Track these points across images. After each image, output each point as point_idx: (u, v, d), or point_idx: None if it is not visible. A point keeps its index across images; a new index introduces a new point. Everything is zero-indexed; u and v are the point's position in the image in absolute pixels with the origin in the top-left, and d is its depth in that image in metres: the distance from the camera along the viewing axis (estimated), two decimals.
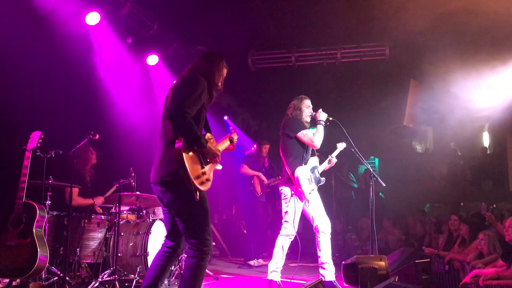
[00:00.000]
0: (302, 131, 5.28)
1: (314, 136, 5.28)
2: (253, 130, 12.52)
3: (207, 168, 3.44)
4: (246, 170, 7.78)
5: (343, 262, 4.67)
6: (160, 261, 3.54)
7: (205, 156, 3.43)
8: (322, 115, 5.39)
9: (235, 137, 3.89)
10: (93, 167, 6.02)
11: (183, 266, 5.92)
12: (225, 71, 3.74)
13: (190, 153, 3.30)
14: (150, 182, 3.51)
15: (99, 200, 5.86)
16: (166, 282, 5.19)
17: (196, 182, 3.27)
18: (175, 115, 3.24)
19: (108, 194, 5.95)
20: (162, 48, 8.14)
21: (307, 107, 5.48)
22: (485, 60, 8.09)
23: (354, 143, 5.53)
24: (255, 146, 8.18)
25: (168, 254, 3.54)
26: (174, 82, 3.64)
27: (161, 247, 3.58)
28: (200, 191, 3.32)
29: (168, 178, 3.32)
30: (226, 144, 3.79)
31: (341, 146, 5.64)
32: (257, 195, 7.78)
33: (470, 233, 6.17)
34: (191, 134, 3.27)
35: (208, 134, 3.56)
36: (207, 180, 3.42)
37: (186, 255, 3.46)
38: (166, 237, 3.59)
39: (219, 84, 3.67)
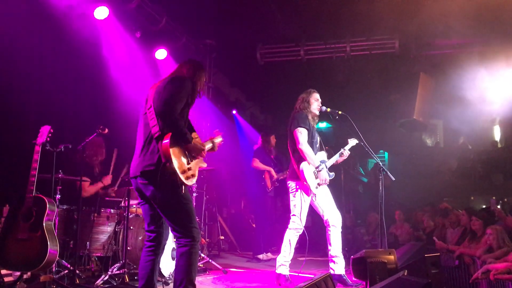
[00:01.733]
0: (299, 128, 5.21)
1: (308, 146, 5.16)
2: (262, 124, 12.51)
3: (192, 164, 3.60)
4: (258, 164, 7.74)
5: (352, 256, 4.65)
6: (148, 257, 3.66)
7: (190, 152, 3.58)
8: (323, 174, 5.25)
9: (218, 140, 3.99)
10: (102, 162, 6.04)
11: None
12: (204, 79, 3.93)
13: (177, 149, 3.44)
14: (131, 174, 3.63)
15: (107, 179, 5.85)
16: (167, 276, 5.21)
17: (182, 177, 3.41)
18: (163, 111, 3.41)
19: (111, 167, 5.96)
20: (170, 43, 8.14)
21: (315, 100, 5.44)
22: (496, 53, 8.00)
23: (364, 137, 5.49)
24: (259, 139, 8.12)
25: (154, 247, 3.67)
26: (156, 83, 3.79)
27: (145, 243, 3.71)
28: (185, 185, 3.46)
29: (151, 168, 3.45)
30: (208, 145, 3.88)
31: (352, 142, 5.55)
32: (267, 190, 7.76)
33: (481, 228, 6.12)
34: (178, 130, 3.44)
35: (194, 133, 3.74)
36: (192, 175, 3.58)
37: (176, 246, 3.55)
38: (147, 230, 3.72)
39: (199, 91, 3.85)
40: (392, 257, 4.28)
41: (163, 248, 3.79)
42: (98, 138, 5.62)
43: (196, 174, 3.66)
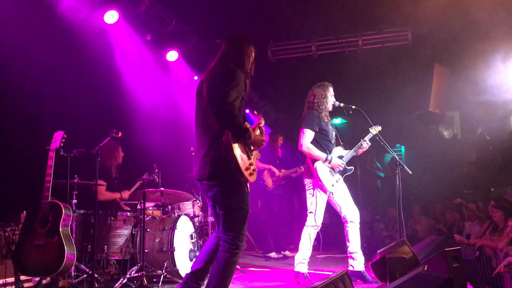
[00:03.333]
0: (304, 129, 5.15)
1: (309, 144, 5.10)
2: (277, 123, 12.44)
3: (253, 159, 3.45)
4: (257, 163, 7.69)
5: (370, 262, 4.59)
6: (212, 245, 3.53)
7: (250, 146, 3.43)
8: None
9: (262, 123, 3.78)
10: (118, 166, 6.06)
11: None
12: (253, 55, 3.65)
13: (238, 145, 3.29)
14: (192, 178, 3.61)
15: (126, 194, 5.88)
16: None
17: (246, 174, 3.29)
18: (222, 110, 3.20)
19: (132, 190, 5.97)
20: (181, 44, 8.15)
21: (331, 95, 5.37)
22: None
23: (379, 131, 5.41)
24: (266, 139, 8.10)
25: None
26: (207, 74, 3.55)
27: (213, 236, 3.59)
28: (249, 182, 3.35)
29: (218, 172, 3.31)
30: (257, 132, 3.69)
31: (373, 130, 5.38)
32: (268, 189, 7.69)
33: (501, 219, 6.01)
34: (238, 127, 3.25)
35: (246, 123, 3.46)
36: (254, 170, 3.44)
37: (219, 249, 3.42)
38: (216, 231, 3.59)
39: (249, 70, 3.61)
40: (405, 247, 4.21)
41: None
42: (113, 142, 5.64)
43: (256, 168, 3.52)
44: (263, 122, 3.79)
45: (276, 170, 7.65)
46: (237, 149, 3.25)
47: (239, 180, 3.30)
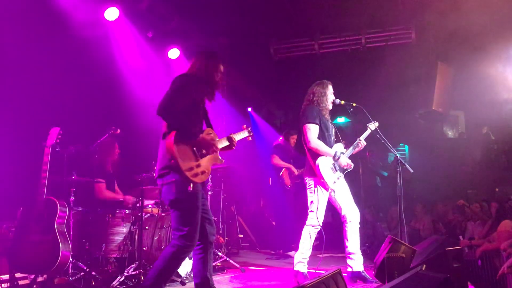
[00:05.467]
0: (308, 124, 5.07)
1: (317, 140, 5.02)
2: (279, 121, 12.40)
3: (203, 160, 3.56)
4: (278, 161, 7.63)
5: (373, 272, 4.53)
6: (197, 255, 3.69)
7: (200, 147, 3.54)
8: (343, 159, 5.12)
9: (238, 136, 4.01)
10: (114, 163, 6.01)
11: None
12: (221, 67, 3.89)
13: (182, 146, 3.42)
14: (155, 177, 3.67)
15: (130, 200, 5.83)
16: (183, 276, 5.18)
17: (188, 174, 3.39)
18: (162, 109, 3.41)
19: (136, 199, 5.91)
20: (183, 41, 8.11)
21: (331, 93, 5.31)
22: None
23: (382, 130, 5.34)
24: (281, 137, 8.03)
25: (201, 246, 3.67)
26: None
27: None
28: (194, 183, 3.43)
29: (164, 171, 3.48)
30: (224, 143, 3.87)
31: (371, 126, 5.34)
32: (286, 187, 7.64)
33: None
34: (180, 126, 3.44)
35: (208, 129, 3.73)
36: (202, 172, 3.52)
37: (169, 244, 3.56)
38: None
39: (218, 80, 3.84)
40: (398, 245, 4.15)
41: (211, 243, 3.76)
42: (110, 139, 5.60)
43: (208, 171, 3.61)
44: (239, 136, 4.01)
45: (294, 170, 7.58)
46: (179, 149, 3.37)
47: (181, 180, 3.40)
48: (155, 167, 3.65)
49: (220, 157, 3.80)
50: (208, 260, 3.71)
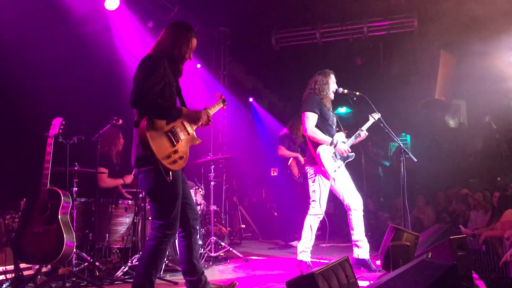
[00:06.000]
0: (306, 112, 5.07)
1: (314, 128, 5.01)
2: (280, 112, 12.37)
3: (179, 145, 3.36)
4: (284, 151, 7.57)
5: (380, 262, 4.52)
6: (182, 243, 3.65)
7: (175, 133, 3.35)
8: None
9: (216, 107, 3.81)
10: (119, 153, 6.00)
11: (212, 248, 5.95)
12: (194, 41, 3.63)
13: (156, 133, 3.22)
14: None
15: (128, 179, 5.85)
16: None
17: (165, 162, 3.20)
18: (136, 96, 3.19)
19: (133, 173, 5.93)
20: None
21: (333, 82, 5.30)
22: None
23: (385, 120, 5.33)
24: (285, 128, 7.95)
25: (184, 233, 3.63)
26: None
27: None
28: (172, 171, 3.26)
29: (140, 162, 3.32)
30: (218, 106, 3.76)
31: (375, 116, 5.32)
32: (294, 178, 7.59)
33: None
34: (158, 109, 3.24)
35: (183, 108, 3.49)
36: (180, 158, 3.34)
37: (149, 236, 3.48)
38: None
39: (187, 56, 3.59)
40: (401, 233, 4.15)
41: (195, 228, 3.69)
42: (114, 129, 5.59)
43: (187, 156, 3.42)
44: (216, 106, 3.80)
45: (302, 159, 7.52)
46: (153, 137, 3.16)
47: (158, 168, 3.21)
48: (131, 156, 3.46)
49: (196, 137, 3.59)
50: (193, 246, 3.64)
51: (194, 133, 3.60)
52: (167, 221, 3.35)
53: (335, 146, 5.03)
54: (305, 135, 5.13)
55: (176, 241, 5.22)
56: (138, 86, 3.20)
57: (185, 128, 3.51)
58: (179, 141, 3.36)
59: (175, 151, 3.31)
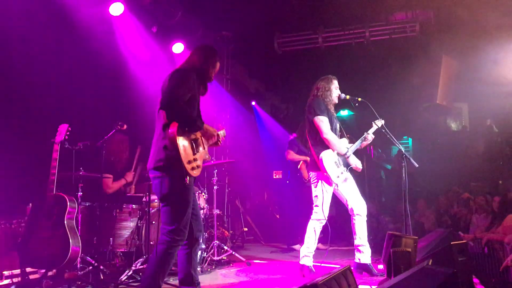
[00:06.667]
0: (320, 116, 5.09)
1: (331, 133, 5.07)
2: (282, 115, 12.41)
3: (198, 155, 3.61)
4: (293, 156, 7.59)
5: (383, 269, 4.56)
6: (183, 251, 3.74)
7: (197, 143, 3.60)
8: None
9: (222, 132, 4.08)
10: (126, 159, 6.08)
11: (215, 252, 5.99)
12: (218, 65, 3.95)
13: (183, 139, 3.46)
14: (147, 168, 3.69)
15: (129, 176, 5.93)
16: (199, 268, 5.22)
17: (187, 167, 3.42)
18: (168, 102, 3.41)
19: (133, 168, 6.01)
20: (187, 36, 8.10)
21: (336, 88, 5.34)
22: None
23: (386, 124, 5.37)
24: (294, 134, 7.96)
25: (186, 242, 3.70)
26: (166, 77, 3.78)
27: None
28: (190, 176, 3.47)
29: (161, 163, 3.48)
30: (221, 132, 4.01)
31: (376, 124, 5.36)
32: (304, 181, 7.62)
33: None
34: (186, 118, 3.47)
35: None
36: (198, 166, 3.58)
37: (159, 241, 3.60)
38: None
39: (212, 76, 3.92)
40: (401, 240, 4.18)
41: (197, 240, 3.82)
42: (121, 135, 5.66)
43: (201, 166, 3.67)
44: (222, 132, 4.08)
45: None
46: (181, 141, 3.40)
47: (179, 172, 3.41)
48: (149, 158, 3.64)
49: (208, 154, 3.88)
50: (193, 256, 3.76)
51: (207, 149, 3.87)
52: (178, 227, 3.48)
53: (347, 157, 5.09)
54: (310, 141, 5.16)
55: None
56: (169, 93, 3.45)
57: (202, 142, 3.79)
58: (198, 152, 3.61)
59: (195, 159, 3.56)
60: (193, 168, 3.49)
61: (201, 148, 3.67)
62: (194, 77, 3.63)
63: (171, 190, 3.48)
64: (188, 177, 3.44)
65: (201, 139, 3.75)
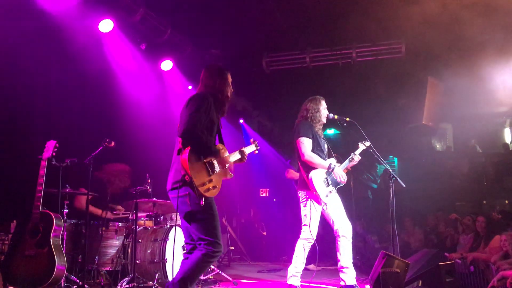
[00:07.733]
0: (301, 138, 5.16)
1: (310, 152, 5.10)
2: (270, 133, 12.45)
3: (214, 176, 3.63)
4: (293, 174, 7.61)
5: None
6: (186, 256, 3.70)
7: (213, 165, 3.62)
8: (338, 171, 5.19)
9: (248, 149, 4.10)
10: (123, 189, 6.04)
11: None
12: (230, 77, 3.96)
13: (196, 163, 3.51)
14: (166, 189, 3.72)
15: (110, 215, 5.83)
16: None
17: (200, 189, 3.46)
18: (184, 129, 3.48)
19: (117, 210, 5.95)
20: (176, 53, 8.13)
21: (324, 108, 5.39)
22: (504, 54, 7.90)
23: (373, 143, 5.41)
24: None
25: (191, 247, 3.68)
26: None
27: (183, 255, 3.75)
28: (205, 197, 3.51)
29: (178, 184, 3.55)
30: (236, 156, 3.97)
31: (362, 146, 5.42)
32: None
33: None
34: (200, 145, 3.53)
35: (219, 145, 3.82)
36: (214, 187, 3.60)
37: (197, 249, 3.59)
38: (185, 242, 3.80)
39: (230, 95, 3.92)
40: (392, 260, 4.19)
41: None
42: (122, 165, 5.67)
43: (219, 186, 3.69)
44: (249, 149, 4.13)
45: None
46: (193, 165, 3.45)
47: (194, 193, 3.47)
48: (168, 180, 3.70)
49: (230, 172, 3.87)
50: None
51: (228, 167, 3.85)
52: (214, 241, 3.51)
53: (332, 170, 5.10)
54: (302, 160, 5.18)
55: (167, 264, 5.35)
56: (189, 119, 3.49)
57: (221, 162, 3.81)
58: (214, 172, 3.62)
59: (210, 180, 3.57)
60: (207, 190, 3.52)
61: (217, 168, 3.67)
62: (211, 100, 3.66)
63: (193, 208, 3.53)
64: (203, 199, 3.48)
65: (219, 160, 3.75)
